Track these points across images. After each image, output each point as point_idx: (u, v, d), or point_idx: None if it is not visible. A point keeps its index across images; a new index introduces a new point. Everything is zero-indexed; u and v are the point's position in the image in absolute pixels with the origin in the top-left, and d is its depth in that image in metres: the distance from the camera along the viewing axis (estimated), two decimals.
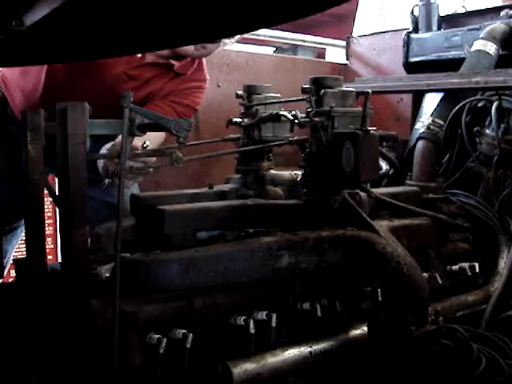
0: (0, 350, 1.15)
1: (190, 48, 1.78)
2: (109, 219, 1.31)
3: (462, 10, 2.55)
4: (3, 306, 1.20)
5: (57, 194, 1.03)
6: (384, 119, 2.59)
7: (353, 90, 1.35)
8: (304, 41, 3.61)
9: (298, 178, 1.44)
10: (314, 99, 1.30)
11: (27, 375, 1.12)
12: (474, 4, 3.24)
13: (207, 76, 1.95)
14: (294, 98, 1.42)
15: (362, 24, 4.15)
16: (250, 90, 1.56)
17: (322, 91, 1.30)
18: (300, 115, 1.37)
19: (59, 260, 2.48)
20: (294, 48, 4.37)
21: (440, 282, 1.44)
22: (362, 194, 1.33)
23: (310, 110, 1.33)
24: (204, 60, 1.94)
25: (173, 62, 1.81)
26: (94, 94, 1.51)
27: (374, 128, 1.27)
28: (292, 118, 1.34)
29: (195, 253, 1.11)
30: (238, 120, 1.54)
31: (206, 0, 0.93)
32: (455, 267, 1.55)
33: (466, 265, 1.55)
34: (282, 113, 1.38)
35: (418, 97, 2.39)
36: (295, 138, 1.44)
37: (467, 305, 1.51)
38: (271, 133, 1.51)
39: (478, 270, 1.55)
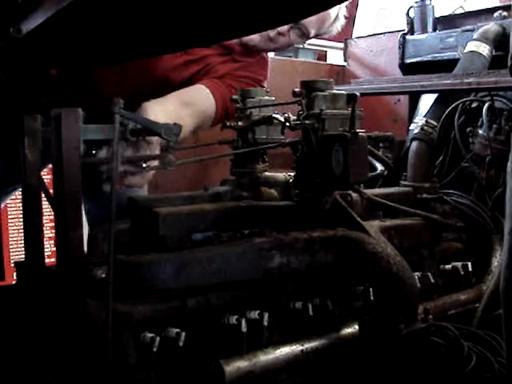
0: (2, 351, 1.18)
1: (256, 37, 1.78)
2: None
3: (461, 11, 2.57)
4: (5, 307, 1.23)
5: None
6: (381, 120, 2.62)
7: (343, 92, 1.38)
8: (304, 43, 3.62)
9: (291, 180, 1.46)
10: (304, 102, 1.33)
11: (29, 375, 1.15)
12: (473, 4, 3.25)
13: (268, 75, 1.91)
14: (284, 101, 1.45)
15: (362, 25, 4.17)
16: (245, 94, 1.59)
17: (313, 94, 1.33)
18: (292, 118, 1.40)
19: None
20: (296, 50, 4.39)
21: (432, 281, 1.46)
22: (354, 195, 1.36)
23: (301, 112, 1.36)
24: (269, 59, 1.92)
25: (234, 44, 1.80)
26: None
27: (363, 130, 1.29)
28: (283, 120, 1.36)
29: (188, 254, 1.14)
30: (233, 123, 1.57)
31: (210, 2, 0.96)
32: (448, 266, 1.57)
33: (458, 264, 1.57)
34: (274, 115, 1.40)
35: (414, 98, 2.42)
36: (288, 140, 1.47)
37: (459, 303, 1.52)
38: (265, 135, 1.54)
39: (470, 269, 1.57)
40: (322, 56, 4.05)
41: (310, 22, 1.81)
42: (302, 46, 3.89)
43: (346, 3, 1.93)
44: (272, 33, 1.79)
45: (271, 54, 2.16)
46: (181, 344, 1.05)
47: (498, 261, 1.64)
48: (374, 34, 2.98)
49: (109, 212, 0.96)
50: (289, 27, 1.80)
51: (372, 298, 1.27)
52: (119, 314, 1.04)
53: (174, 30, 1.15)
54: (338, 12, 1.87)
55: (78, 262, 1.07)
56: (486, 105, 1.79)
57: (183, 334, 1.06)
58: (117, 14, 1.01)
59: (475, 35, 2.11)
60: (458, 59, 2.14)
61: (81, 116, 1.02)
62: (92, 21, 1.03)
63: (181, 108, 1.62)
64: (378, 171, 1.77)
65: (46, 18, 0.98)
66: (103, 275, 1.17)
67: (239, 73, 1.84)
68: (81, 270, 1.07)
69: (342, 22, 1.91)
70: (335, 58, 3.70)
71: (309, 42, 3.75)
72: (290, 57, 3.84)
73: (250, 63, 1.86)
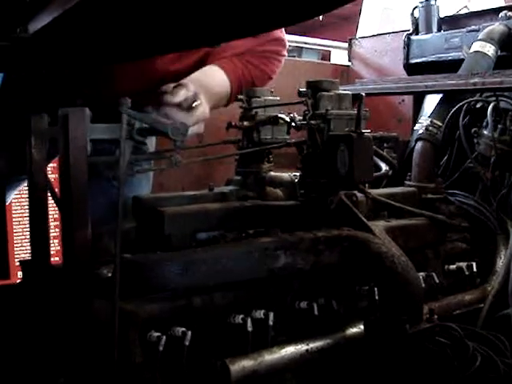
0: (8, 349, 1.19)
1: None
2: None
3: (465, 11, 2.57)
4: (10, 305, 1.23)
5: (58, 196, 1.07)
6: (385, 120, 2.61)
7: (349, 92, 1.38)
8: (307, 43, 3.64)
9: (296, 180, 1.47)
10: (310, 102, 1.33)
11: (35, 373, 1.15)
12: (478, 4, 3.25)
13: (287, 43, 1.87)
14: (289, 101, 1.45)
15: (366, 25, 4.17)
16: (250, 94, 1.60)
17: (318, 94, 1.33)
18: (298, 118, 1.40)
19: None
20: (299, 50, 4.39)
21: (437, 281, 1.46)
22: (359, 195, 1.36)
23: (307, 112, 1.36)
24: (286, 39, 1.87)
25: None
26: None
27: (369, 130, 1.29)
28: (289, 120, 1.37)
29: (194, 253, 1.15)
30: (238, 123, 1.57)
31: (214, 2, 0.96)
32: (453, 266, 1.57)
33: (463, 264, 1.57)
34: (279, 115, 1.41)
35: (418, 98, 2.42)
36: (293, 140, 1.47)
37: (464, 304, 1.52)
38: (270, 135, 1.54)
39: (475, 269, 1.57)
40: (326, 56, 4.06)
41: None
42: (305, 46, 3.91)
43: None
44: None
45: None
46: (187, 343, 1.06)
47: (502, 261, 1.64)
48: (379, 34, 2.98)
49: (116, 211, 0.96)
50: None
51: (377, 297, 1.27)
52: (125, 312, 1.05)
53: (181, 29, 1.15)
54: None
55: (84, 261, 1.07)
56: (491, 105, 1.78)
57: (189, 333, 1.06)
58: (124, 13, 1.01)
59: (480, 35, 2.10)
60: (462, 59, 2.14)
61: (88, 115, 1.02)
62: (99, 20, 1.03)
63: (200, 91, 1.60)
64: (382, 171, 1.77)
65: (53, 18, 0.98)
66: (109, 274, 1.17)
67: (260, 48, 1.79)
68: (87, 269, 1.08)
69: None
70: (339, 57, 3.70)
71: (313, 41, 3.77)
72: (294, 56, 3.85)
73: (267, 40, 1.80)
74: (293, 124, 1.36)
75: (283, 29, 1.93)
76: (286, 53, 1.87)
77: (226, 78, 1.74)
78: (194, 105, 1.51)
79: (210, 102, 1.68)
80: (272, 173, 1.58)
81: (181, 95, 1.50)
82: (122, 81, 1.64)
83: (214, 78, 1.73)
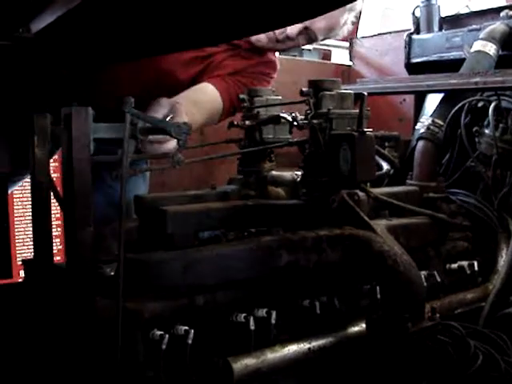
0: (11, 348, 1.19)
1: (264, 38, 1.80)
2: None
3: (466, 10, 2.57)
4: (13, 304, 1.24)
5: (61, 195, 1.07)
6: (387, 120, 2.62)
7: (351, 92, 1.38)
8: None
9: (298, 179, 1.47)
10: (312, 101, 1.33)
11: (37, 372, 1.16)
12: (479, 4, 3.25)
13: (278, 65, 1.94)
14: (289, 101, 1.45)
15: (367, 24, 4.16)
16: (252, 93, 1.60)
17: (320, 93, 1.33)
18: (300, 117, 1.40)
19: None
20: (300, 49, 4.39)
21: (439, 279, 1.47)
22: (361, 194, 1.36)
23: (309, 112, 1.36)
24: (278, 61, 1.94)
25: (243, 42, 1.82)
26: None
27: (371, 130, 1.29)
28: (291, 119, 1.37)
29: (196, 252, 1.15)
30: (240, 122, 1.58)
31: (216, 2, 0.96)
32: (454, 265, 1.57)
33: (465, 263, 1.57)
34: (281, 115, 1.41)
35: (419, 97, 2.42)
36: (295, 139, 1.47)
37: (466, 302, 1.53)
38: (272, 134, 1.54)
39: (476, 268, 1.57)
40: (327, 55, 4.06)
41: (320, 28, 1.82)
42: (309, 49, 3.91)
43: (360, 8, 1.94)
44: (280, 35, 1.80)
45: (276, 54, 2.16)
46: (189, 341, 1.06)
47: (504, 260, 1.64)
48: (380, 34, 2.99)
49: (119, 210, 0.97)
50: (298, 31, 1.81)
51: (379, 296, 1.28)
52: (129, 311, 1.05)
53: (184, 29, 1.15)
54: (347, 18, 1.88)
55: (88, 260, 1.08)
56: (493, 104, 1.79)
57: (192, 331, 1.07)
58: (127, 13, 1.01)
59: (481, 35, 2.10)
60: (464, 59, 2.14)
61: (91, 114, 1.03)
62: (102, 19, 1.04)
63: (191, 106, 1.63)
64: (384, 170, 1.77)
65: (56, 18, 0.98)
66: (112, 273, 1.18)
67: (250, 69, 1.86)
68: (90, 268, 1.08)
69: (349, 26, 1.92)
70: (340, 57, 3.70)
71: None
72: (295, 56, 3.85)
73: (259, 62, 1.87)
74: (295, 123, 1.37)
75: (277, 53, 1.97)
76: (275, 75, 1.93)
77: (218, 95, 1.79)
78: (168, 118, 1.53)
79: (203, 118, 1.73)
80: (274, 172, 1.58)
81: (157, 114, 1.48)
82: (121, 85, 1.65)
83: (206, 94, 1.78)
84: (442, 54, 2.37)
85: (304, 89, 1.35)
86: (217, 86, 1.79)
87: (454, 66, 2.14)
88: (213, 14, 1.03)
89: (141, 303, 1.08)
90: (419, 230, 1.50)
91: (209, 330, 1.13)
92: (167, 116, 1.50)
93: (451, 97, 1.96)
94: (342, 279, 1.30)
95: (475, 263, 1.57)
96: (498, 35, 2.08)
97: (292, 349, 1.17)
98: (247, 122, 1.55)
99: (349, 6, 1.81)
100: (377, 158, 1.72)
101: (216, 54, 1.81)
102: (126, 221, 1.09)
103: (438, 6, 2.48)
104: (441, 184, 1.75)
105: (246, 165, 1.58)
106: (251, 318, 1.13)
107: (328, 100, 1.33)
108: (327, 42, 3.81)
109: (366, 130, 1.27)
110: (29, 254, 2.31)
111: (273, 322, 1.16)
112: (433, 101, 2.14)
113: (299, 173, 1.48)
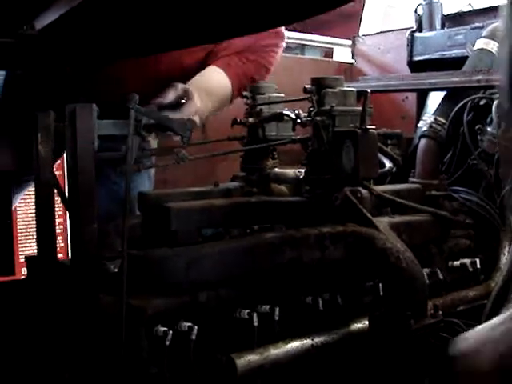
0: (14, 344, 1.20)
1: None
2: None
3: (469, 8, 2.57)
4: (16, 301, 1.24)
5: (65, 192, 1.07)
6: (389, 117, 2.62)
7: (353, 89, 1.38)
8: (310, 40, 3.63)
9: (301, 176, 1.47)
10: (315, 99, 1.34)
11: (41, 368, 1.16)
12: (481, 2, 3.25)
13: (285, 34, 1.89)
14: (294, 98, 1.46)
15: (369, 22, 4.16)
16: (255, 90, 1.60)
17: (323, 91, 1.34)
18: (303, 114, 1.41)
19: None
20: (302, 47, 4.39)
21: (441, 277, 1.47)
22: (364, 191, 1.36)
23: (312, 109, 1.37)
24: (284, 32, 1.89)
25: None
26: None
27: (374, 127, 1.30)
28: (294, 117, 1.37)
29: (200, 249, 1.15)
30: (243, 119, 1.58)
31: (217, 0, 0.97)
32: (457, 263, 1.58)
33: (467, 261, 1.57)
34: (284, 112, 1.41)
35: (422, 95, 2.42)
36: (298, 136, 1.48)
37: (468, 300, 1.53)
38: (275, 132, 1.55)
39: (479, 265, 1.57)
40: (329, 53, 4.05)
41: None
42: (308, 44, 3.91)
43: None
44: None
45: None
46: (193, 338, 1.06)
47: (506, 257, 1.64)
48: (382, 32, 2.99)
49: (124, 206, 0.97)
50: None
51: (382, 293, 1.28)
52: (132, 307, 1.06)
53: (186, 26, 1.16)
54: None
55: (92, 257, 1.08)
56: (495, 102, 1.79)
57: (195, 327, 1.07)
58: (130, 10, 1.02)
59: (484, 32, 2.10)
60: (466, 57, 2.14)
61: (95, 111, 1.03)
62: (106, 17, 1.04)
63: (203, 94, 1.63)
64: (386, 168, 1.77)
65: (60, 15, 0.99)
66: (116, 270, 1.18)
67: (258, 43, 1.80)
68: (94, 265, 1.09)
69: None
70: (342, 55, 3.70)
71: (316, 39, 3.76)
72: (297, 54, 3.85)
73: (266, 34, 1.81)
74: (298, 120, 1.37)
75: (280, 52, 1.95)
76: (283, 44, 1.88)
77: (226, 79, 1.76)
78: (182, 101, 1.53)
79: (214, 103, 1.70)
80: (277, 169, 1.59)
81: (170, 97, 1.52)
82: (125, 79, 1.65)
83: (214, 79, 1.76)
84: (445, 52, 2.37)
85: (307, 86, 1.36)
86: (224, 69, 1.75)
87: (456, 63, 2.14)
88: (215, 11, 1.03)
89: (144, 300, 1.08)
90: (422, 227, 1.50)
91: (212, 326, 1.14)
92: (181, 98, 1.50)
93: (454, 95, 1.96)
94: (344, 276, 1.30)
95: (477, 261, 1.57)
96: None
97: (295, 345, 1.17)
98: (250, 120, 1.56)
99: None
100: (379, 155, 1.73)
101: None
102: (129, 217, 1.09)
103: (441, 4, 2.48)
104: (443, 182, 1.76)
105: (248, 162, 1.58)
106: (255, 315, 1.13)
107: (331, 97, 1.34)
108: (329, 40, 3.82)
109: (368, 127, 1.28)
110: (31, 251, 2.32)
111: (276, 318, 1.16)
112: (435, 99, 2.14)
113: (302, 170, 1.48)
